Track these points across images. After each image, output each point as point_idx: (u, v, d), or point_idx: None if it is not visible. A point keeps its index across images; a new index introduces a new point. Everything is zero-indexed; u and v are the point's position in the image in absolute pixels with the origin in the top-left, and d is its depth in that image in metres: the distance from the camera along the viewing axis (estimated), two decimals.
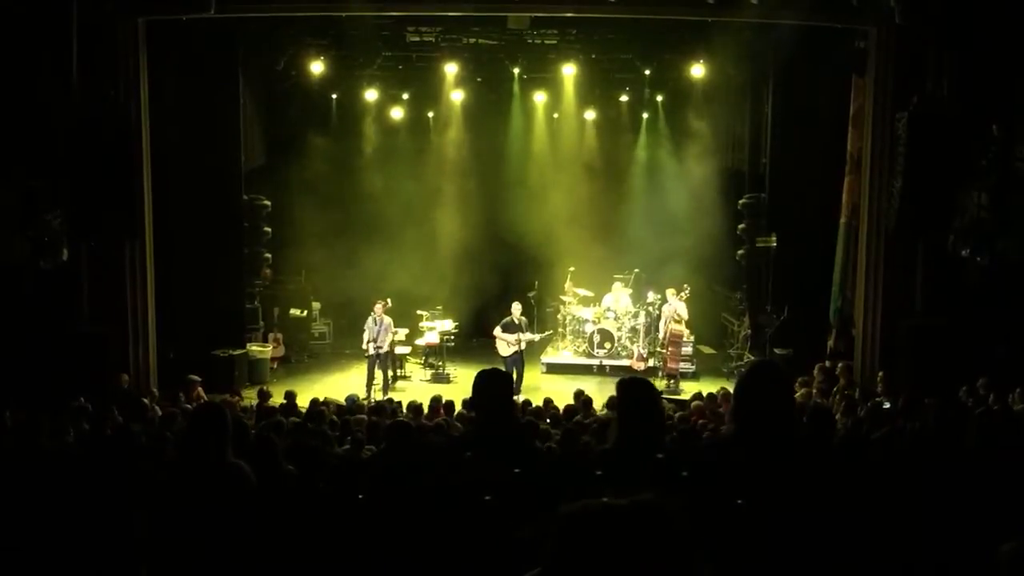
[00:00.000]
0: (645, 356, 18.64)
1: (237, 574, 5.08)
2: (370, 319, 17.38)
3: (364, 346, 17.29)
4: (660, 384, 16.93)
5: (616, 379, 5.17)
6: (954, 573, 4.36)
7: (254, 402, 13.67)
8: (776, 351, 16.80)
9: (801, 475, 3.97)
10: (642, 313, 19.10)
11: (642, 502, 1.94)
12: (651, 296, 19.06)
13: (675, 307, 18.20)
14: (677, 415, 11.38)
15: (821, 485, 4.10)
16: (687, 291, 18.31)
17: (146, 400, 12.16)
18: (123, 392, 12.74)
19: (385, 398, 15.30)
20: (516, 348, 17.32)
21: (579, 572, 1.89)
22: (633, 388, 4.88)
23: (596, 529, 1.92)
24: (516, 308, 17.72)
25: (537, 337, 18.20)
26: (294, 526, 5.68)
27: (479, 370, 5.10)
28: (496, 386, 5.01)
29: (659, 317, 18.86)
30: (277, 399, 13.37)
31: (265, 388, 14.69)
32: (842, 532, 3.33)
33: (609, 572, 1.86)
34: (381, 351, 17.31)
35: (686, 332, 18.58)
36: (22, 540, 4.46)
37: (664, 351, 18.19)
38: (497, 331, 17.51)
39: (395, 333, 17.89)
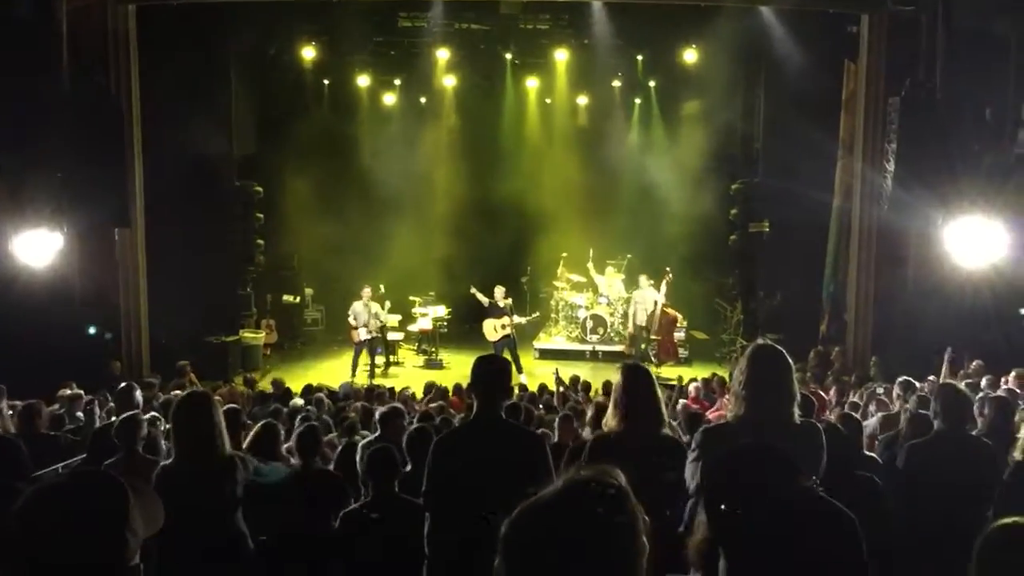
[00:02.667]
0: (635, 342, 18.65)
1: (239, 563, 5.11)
2: (358, 304, 17.39)
3: (356, 330, 17.27)
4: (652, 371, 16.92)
5: (608, 364, 5.23)
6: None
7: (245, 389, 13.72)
8: (768, 336, 16.83)
9: (799, 458, 3.97)
10: (633, 299, 19.10)
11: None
12: (642, 282, 19.05)
13: (647, 294, 18.20)
14: (674, 402, 11.40)
15: (817, 468, 4.12)
16: (669, 275, 18.23)
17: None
18: (116, 379, 12.71)
19: (370, 383, 15.31)
20: (504, 332, 17.31)
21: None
22: (637, 373, 4.97)
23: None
24: (500, 291, 17.69)
25: (524, 320, 18.19)
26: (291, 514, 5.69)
27: (477, 356, 5.12)
28: (495, 372, 5.02)
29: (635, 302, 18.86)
30: (266, 385, 13.40)
31: (250, 375, 14.71)
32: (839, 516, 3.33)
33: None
34: (372, 335, 17.37)
35: (679, 317, 18.64)
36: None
37: (655, 338, 18.22)
38: (485, 316, 17.50)
39: (385, 318, 17.94)
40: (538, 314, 19.95)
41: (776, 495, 2.61)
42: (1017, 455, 5.64)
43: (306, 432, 6.17)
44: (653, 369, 16.58)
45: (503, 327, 17.32)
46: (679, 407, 10.39)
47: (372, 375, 17.33)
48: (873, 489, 5.31)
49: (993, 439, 5.84)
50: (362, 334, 17.21)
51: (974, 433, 5.88)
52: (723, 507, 2.63)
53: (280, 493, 5.68)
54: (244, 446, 6.11)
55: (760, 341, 4.66)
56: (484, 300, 17.57)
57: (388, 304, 18.07)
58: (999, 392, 8.65)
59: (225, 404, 7.45)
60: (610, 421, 4.96)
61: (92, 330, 14.21)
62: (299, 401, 11.16)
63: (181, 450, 5.03)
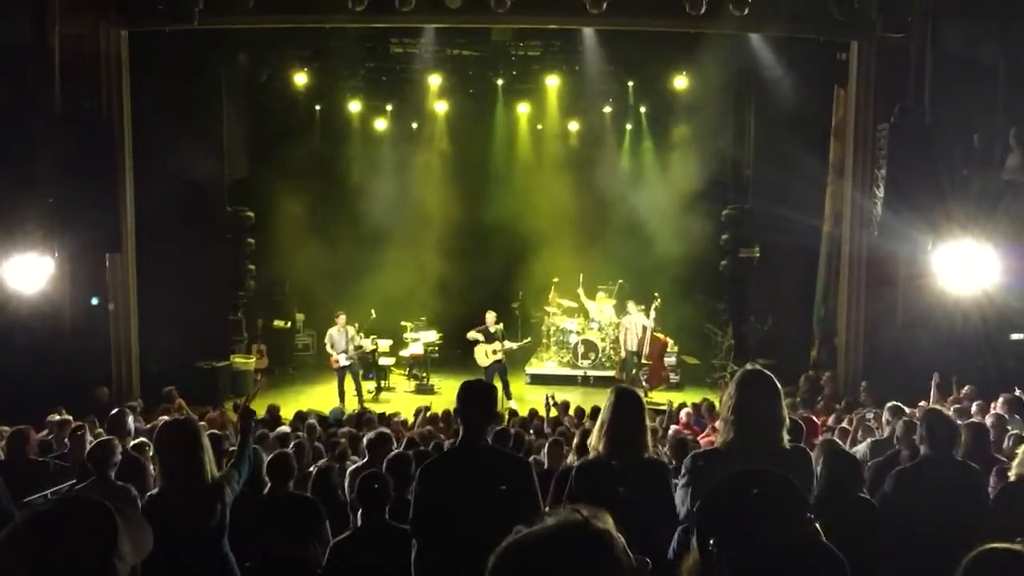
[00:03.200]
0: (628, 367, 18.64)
1: None
2: (334, 330, 17.37)
3: (335, 359, 17.22)
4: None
5: (599, 390, 5.20)
6: None
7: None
8: (759, 361, 16.82)
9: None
10: (623, 325, 19.08)
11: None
12: (631, 307, 19.03)
13: (636, 320, 18.24)
14: (665, 427, 11.40)
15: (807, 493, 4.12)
16: (657, 301, 18.30)
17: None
18: (104, 406, 12.64)
19: (360, 408, 15.29)
20: (496, 358, 17.27)
21: None
22: (627, 397, 4.95)
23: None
24: (491, 317, 17.65)
25: (515, 346, 18.16)
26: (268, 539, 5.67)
27: (463, 381, 5.09)
28: (481, 397, 5.00)
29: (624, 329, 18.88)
30: (258, 412, 13.30)
31: (238, 401, 14.60)
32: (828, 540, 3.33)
33: None
34: (353, 362, 17.33)
35: (669, 342, 18.68)
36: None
37: (647, 363, 18.25)
38: (475, 335, 17.44)
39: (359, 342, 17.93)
40: (529, 339, 19.92)
41: (773, 534, 2.57)
42: (1011, 475, 5.66)
43: (276, 458, 6.16)
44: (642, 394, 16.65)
45: (494, 352, 17.28)
46: (670, 432, 10.37)
47: (360, 399, 17.25)
48: (870, 511, 5.32)
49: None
50: (342, 360, 17.16)
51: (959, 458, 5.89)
52: (711, 544, 2.60)
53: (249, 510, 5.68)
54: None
55: (749, 366, 4.67)
56: (479, 337, 17.48)
57: (353, 330, 17.90)
58: (988, 417, 8.67)
59: (211, 430, 7.45)
60: (595, 444, 4.94)
61: (95, 300, 14.11)
62: (285, 428, 11.10)
63: (167, 477, 5.01)
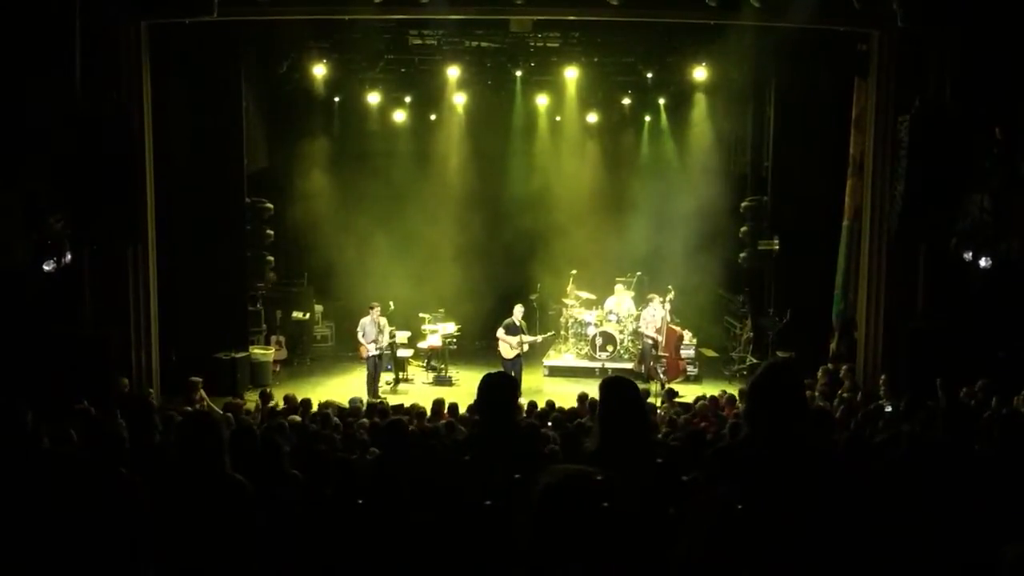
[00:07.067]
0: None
1: None
2: (366, 320, 17.45)
3: (366, 347, 17.31)
4: (652, 387, 17.05)
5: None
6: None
7: (257, 403, 13.71)
8: (778, 354, 16.78)
9: (810, 477, 3.96)
10: (643, 317, 19.09)
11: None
12: (655, 302, 19.03)
13: (656, 313, 18.28)
14: (682, 418, 11.41)
15: (827, 488, 4.10)
16: (671, 293, 18.41)
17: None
18: (124, 395, 12.72)
19: (378, 399, 15.37)
20: (518, 351, 17.34)
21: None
22: (614, 387, 4.76)
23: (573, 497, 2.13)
24: (518, 310, 17.76)
25: (539, 339, 18.22)
26: (297, 531, 5.68)
27: (485, 373, 5.07)
28: (501, 390, 4.98)
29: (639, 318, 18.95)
30: (279, 402, 13.39)
31: (268, 390, 14.70)
32: (848, 535, 3.32)
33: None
34: (381, 351, 17.43)
35: (683, 334, 18.69)
36: (22, 546, 4.43)
37: (664, 355, 18.26)
38: (500, 333, 17.52)
39: (393, 335, 18.03)
40: (553, 332, 19.94)
41: None
42: None
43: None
44: (653, 387, 16.67)
45: (517, 345, 17.35)
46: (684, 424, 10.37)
47: (375, 391, 17.30)
48: None
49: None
50: (371, 349, 17.25)
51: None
52: None
53: None
54: None
55: (772, 359, 4.66)
56: (501, 331, 17.57)
57: (385, 321, 17.93)
58: None
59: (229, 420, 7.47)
60: (591, 444, 4.71)
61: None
62: (297, 418, 11.15)
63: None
